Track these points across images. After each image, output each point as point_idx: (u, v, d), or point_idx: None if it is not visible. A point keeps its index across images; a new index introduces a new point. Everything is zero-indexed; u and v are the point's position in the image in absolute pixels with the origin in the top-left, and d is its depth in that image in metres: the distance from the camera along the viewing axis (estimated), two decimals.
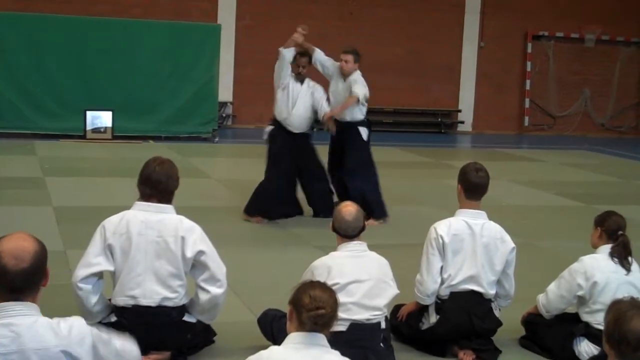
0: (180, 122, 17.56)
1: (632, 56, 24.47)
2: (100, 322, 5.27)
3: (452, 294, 5.76)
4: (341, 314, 4.88)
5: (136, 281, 5.27)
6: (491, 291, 5.82)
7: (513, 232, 6.10)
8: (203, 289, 5.36)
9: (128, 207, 5.42)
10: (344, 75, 9.87)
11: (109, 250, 5.26)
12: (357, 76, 9.87)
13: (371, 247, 5.62)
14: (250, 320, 5.98)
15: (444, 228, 5.78)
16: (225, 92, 19.72)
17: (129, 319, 5.28)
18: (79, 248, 5.56)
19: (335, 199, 10.01)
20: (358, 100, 9.74)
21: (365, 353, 5.18)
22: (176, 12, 19.99)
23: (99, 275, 5.29)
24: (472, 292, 5.76)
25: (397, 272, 5.68)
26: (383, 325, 5.48)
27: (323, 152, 10.23)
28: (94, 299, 5.25)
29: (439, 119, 23.08)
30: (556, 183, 14.31)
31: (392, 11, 22.24)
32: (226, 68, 19.67)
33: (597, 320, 5.50)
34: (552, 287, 5.96)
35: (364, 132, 10.00)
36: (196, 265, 5.34)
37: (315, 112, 9.93)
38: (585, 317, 5.78)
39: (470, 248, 5.77)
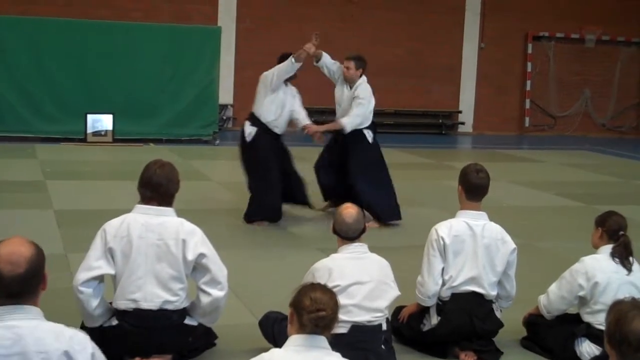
0: (181, 124, 17.56)
1: (632, 56, 24.48)
2: (101, 326, 5.28)
3: (453, 295, 5.76)
4: (342, 316, 4.89)
5: (137, 284, 5.27)
6: (492, 292, 5.82)
7: (514, 233, 6.10)
8: (204, 292, 5.36)
9: (129, 211, 5.42)
10: (348, 81, 9.86)
11: (109, 253, 5.26)
12: (361, 91, 9.86)
13: (372, 249, 5.63)
14: (251, 322, 5.97)
15: (444, 229, 5.78)
16: (225, 94, 19.74)
17: (130, 323, 5.28)
18: (80, 251, 5.56)
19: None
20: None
21: (367, 355, 5.18)
22: (176, 15, 20.00)
23: (100, 278, 5.29)
24: (474, 293, 5.76)
25: (398, 274, 5.68)
26: (384, 327, 5.48)
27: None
28: (94, 302, 5.24)
29: (440, 120, 23.08)
30: (557, 183, 14.31)
31: (393, 13, 22.25)
32: (227, 71, 19.69)
33: (599, 321, 5.50)
34: (553, 287, 5.96)
35: (368, 134, 9.98)
36: (197, 268, 5.34)
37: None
38: (587, 318, 5.78)
39: (471, 249, 5.77)
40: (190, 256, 5.27)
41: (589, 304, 5.75)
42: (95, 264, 5.25)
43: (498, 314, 5.91)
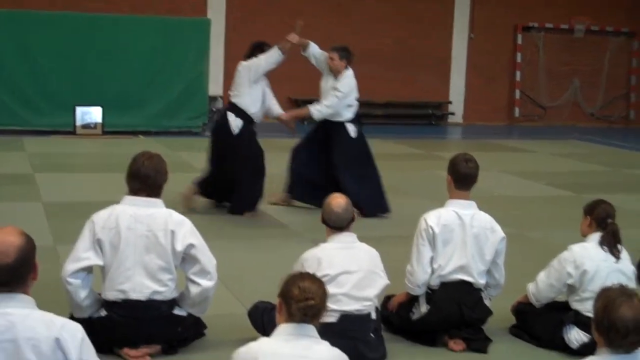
0: (171, 116, 17.52)
1: (621, 46, 24.50)
2: (90, 317, 5.28)
3: (443, 284, 5.77)
4: (331, 305, 4.91)
5: (126, 275, 5.27)
6: (481, 281, 5.84)
7: (503, 223, 6.11)
8: (194, 282, 5.37)
9: (118, 202, 5.42)
10: (333, 72, 9.85)
11: (98, 244, 5.26)
12: (342, 84, 9.79)
13: (361, 239, 5.64)
14: (240, 312, 5.98)
15: (434, 219, 5.79)
16: (215, 86, 19.69)
17: (118, 313, 5.29)
18: (69, 243, 5.55)
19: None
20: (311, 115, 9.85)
21: (356, 344, 5.19)
22: (165, 8, 19.95)
23: (89, 269, 5.29)
24: (462, 282, 5.77)
25: (387, 263, 5.69)
26: (373, 316, 5.49)
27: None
28: (83, 293, 5.25)
29: (429, 111, 23.06)
30: (546, 173, 14.34)
31: (382, 3, 22.23)
32: (216, 62, 19.64)
33: (587, 309, 5.52)
34: (541, 276, 5.98)
35: (351, 128, 9.95)
36: (186, 258, 5.35)
37: None
38: (575, 306, 5.80)
39: (460, 238, 5.78)
40: (179, 247, 5.28)
41: (578, 292, 5.77)
42: (83, 255, 5.25)
43: (487, 302, 5.92)
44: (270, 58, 9.65)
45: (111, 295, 5.31)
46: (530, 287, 6.05)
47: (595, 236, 5.84)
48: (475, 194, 6.00)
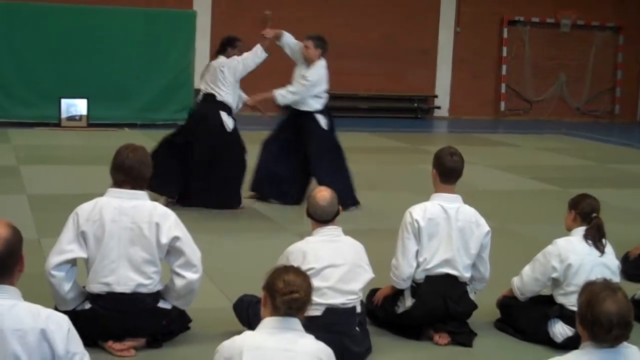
0: (156, 109, 17.46)
1: (607, 41, 24.56)
2: (74, 310, 5.26)
3: (428, 277, 5.78)
4: (316, 299, 4.90)
5: (110, 268, 5.26)
6: (466, 274, 5.84)
7: (489, 216, 6.12)
8: (179, 275, 5.36)
9: (103, 195, 5.40)
10: (307, 61, 9.83)
11: (82, 237, 5.24)
12: (311, 73, 9.76)
13: (346, 232, 5.64)
14: (225, 306, 5.97)
15: (419, 212, 5.79)
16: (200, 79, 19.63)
17: (103, 306, 5.27)
18: (54, 236, 5.53)
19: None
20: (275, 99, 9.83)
21: (341, 337, 5.18)
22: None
23: (72, 262, 5.28)
24: (448, 275, 5.78)
25: (372, 257, 5.69)
26: (358, 310, 5.49)
27: None
28: (67, 286, 5.23)
29: (415, 105, 23.06)
30: (532, 167, 14.37)
31: None
32: (202, 55, 19.53)
33: (572, 302, 5.52)
34: (526, 269, 5.99)
35: (321, 120, 9.93)
36: (171, 251, 5.33)
37: None
38: (560, 299, 5.82)
39: (445, 232, 5.78)
40: (164, 239, 5.27)
41: (562, 286, 5.79)
42: (67, 247, 5.23)
43: (472, 296, 5.93)
44: (257, 58, 9.69)
45: (95, 288, 5.29)
46: (515, 281, 6.06)
47: (580, 230, 5.86)
48: (460, 187, 6.00)
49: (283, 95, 9.78)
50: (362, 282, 5.48)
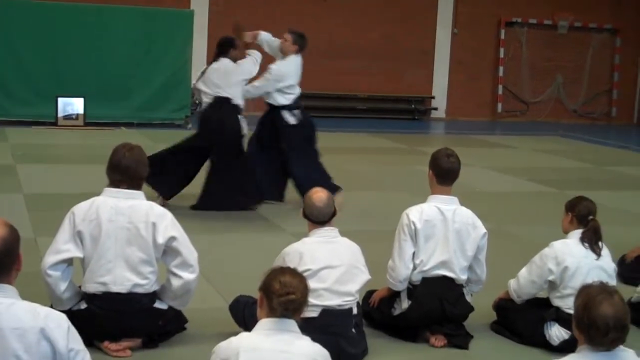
0: (153, 108, 17.45)
1: (604, 43, 24.57)
2: (70, 310, 5.25)
3: (424, 279, 5.77)
4: (313, 300, 4.90)
5: (106, 268, 5.25)
6: (463, 276, 5.84)
7: (485, 218, 6.11)
8: (175, 275, 5.35)
9: (99, 194, 5.39)
10: (283, 54, 9.84)
11: (78, 236, 5.23)
12: (280, 64, 9.77)
13: (343, 233, 5.64)
14: (221, 307, 5.96)
15: (416, 214, 5.78)
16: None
17: (99, 306, 5.26)
18: (50, 235, 5.52)
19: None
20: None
21: (337, 339, 5.18)
22: None
23: (69, 261, 5.27)
24: (444, 277, 5.77)
25: (368, 258, 5.69)
26: (355, 311, 5.48)
27: None
28: (63, 285, 5.22)
29: (413, 106, 23.07)
30: (529, 169, 14.37)
31: None
32: (199, 54, 19.54)
33: (568, 305, 5.52)
34: (523, 272, 5.99)
35: (288, 116, 9.86)
36: (167, 251, 5.33)
37: None
38: (556, 302, 5.81)
39: (442, 234, 5.77)
40: (161, 239, 5.26)
41: (559, 289, 5.78)
42: (63, 247, 5.22)
43: (468, 298, 5.93)
44: (257, 64, 9.79)
45: (91, 287, 5.29)
46: (512, 284, 6.06)
47: (577, 233, 5.85)
48: (457, 189, 6.00)
49: (247, 90, 9.78)
50: (358, 283, 5.48)
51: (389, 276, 5.81)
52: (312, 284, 4.37)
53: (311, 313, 5.08)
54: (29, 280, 4.94)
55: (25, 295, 3.57)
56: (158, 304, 5.42)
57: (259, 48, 10.05)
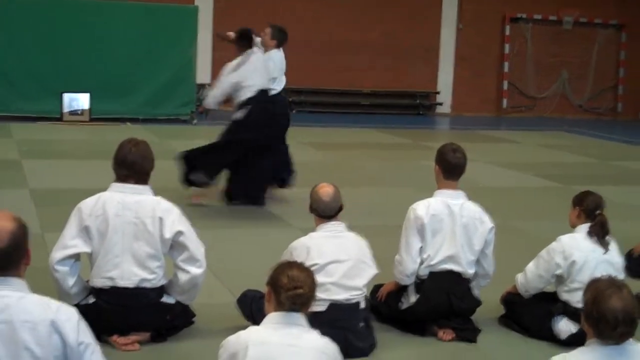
0: (158, 104, 17.48)
1: (609, 38, 24.54)
2: (78, 304, 5.26)
3: (432, 274, 5.77)
4: (320, 294, 4.90)
5: (114, 262, 5.25)
6: (470, 271, 5.84)
7: (491, 213, 6.10)
8: (182, 270, 5.36)
9: (105, 189, 5.40)
10: (265, 49, 9.79)
11: (85, 232, 5.24)
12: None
13: (350, 228, 5.64)
14: (229, 301, 5.96)
15: (422, 208, 5.78)
16: (203, 74, 19.63)
17: (106, 301, 5.27)
18: (57, 231, 5.53)
19: None
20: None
21: (345, 333, 5.18)
22: None
23: (76, 257, 5.28)
24: (451, 272, 5.77)
25: (376, 253, 5.69)
26: (362, 305, 5.49)
27: None
28: (71, 280, 5.24)
29: (418, 101, 23.08)
30: (534, 164, 14.36)
31: None
32: (204, 50, 19.59)
33: (576, 299, 5.52)
34: (530, 266, 5.98)
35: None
36: (175, 246, 5.33)
37: None
38: (564, 296, 5.81)
39: (449, 228, 5.77)
40: (168, 234, 5.26)
41: (566, 283, 5.78)
42: (70, 242, 5.23)
43: (476, 292, 5.93)
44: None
45: (99, 282, 5.29)
46: (519, 278, 6.05)
47: (584, 227, 5.85)
48: (463, 184, 5.99)
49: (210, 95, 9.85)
50: (366, 278, 5.48)
51: (396, 270, 5.81)
52: (319, 278, 4.37)
53: (319, 307, 5.08)
54: (36, 276, 4.95)
55: (33, 291, 3.57)
56: (165, 299, 5.43)
57: None
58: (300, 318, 3.80)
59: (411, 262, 5.73)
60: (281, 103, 9.85)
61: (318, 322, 4.28)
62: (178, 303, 5.48)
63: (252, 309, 5.49)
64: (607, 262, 5.74)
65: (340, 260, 5.37)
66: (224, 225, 8.85)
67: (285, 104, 9.67)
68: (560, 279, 5.83)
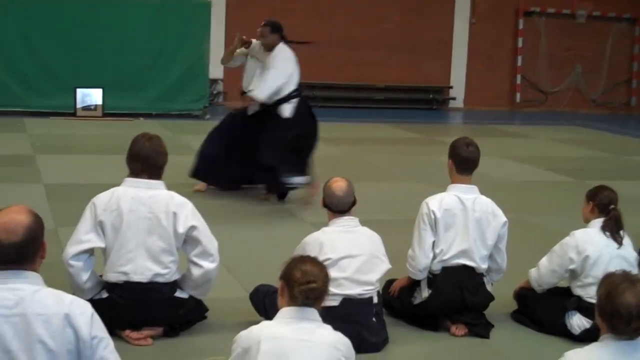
0: (171, 99, 17.49)
1: (623, 32, 24.43)
2: (91, 299, 5.27)
3: (444, 268, 5.76)
4: (333, 289, 4.90)
5: (127, 257, 5.27)
6: (483, 265, 5.83)
7: (504, 208, 6.09)
8: (196, 264, 5.37)
9: (119, 184, 5.42)
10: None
11: (99, 227, 5.26)
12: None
13: (363, 222, 5.64)
14: (242, 296, 5.97)
15: (435, 203, 5.78)
16: (215, 69, 19.56)
17: (120, 295, 5.29)
18: (70, 225, 5.55)
19: None
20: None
21: (358, 328, 5.19)
22: None
23: (90, 252, 5.30)
24: (464, 266, 5.77)
25: (388, 248, 5.69)
26: (375, 300, 5.49)
27: None
28: (85, 275, 5.25)
29: (431, 96, 23.03)
30: (547, 159, 14.33)
31: None
32: (217, 45, 19.54)
33: (589, 294, 5.52)
34: (543, 261, 5.97)
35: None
36: (188, 240, 5.35)
37: None
38: (577, 291, 5.80)
39: (462, 223, 5.77)
40: (181, 229, 5.28)
41: (580, 278, 5.77)
42: (84, 237, 5.25)
43: (489, 287, 5.92)
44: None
45: (113, 277, 5.31)
46: (532, 273, 6.05)
47: (598, 222, 5.83)
48: (476, 178, 5.99)
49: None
50: (379, 272, 5.48)
51: (409, 265, 5.81)
52: (332, 273, 4.37)
53: (332, 302, 5.09)
54: (50, 270, 4.97)
55: (47, 285, 3.58)
56: (179, 293, 5.45)
57: None
58: (313, 313, 3.80)
59: (424, 257, 5.72)
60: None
61: (331, 317, 4.30)
62: (191, 298, 5.50)
63: (265, 304, 5.50)
64: (621, 256, 5.72)
65: (353, 255, 5.37)
66: (237, 220, 8.85)
67: None
68: (573, 274, 5.82)
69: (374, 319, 5.43)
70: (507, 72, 23.82)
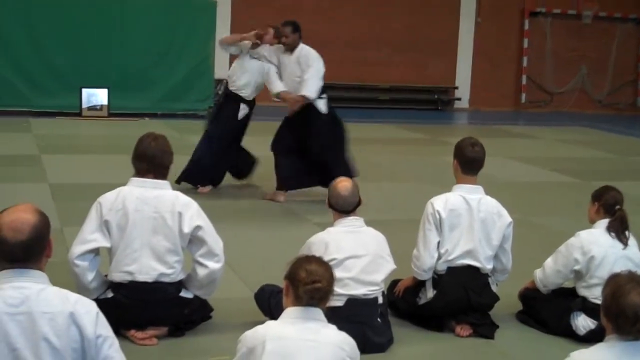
0: (177, 99, 17.50)
1: (629, 33, 24.39)
2: (97, 299, 5.28)
3: (449, 269, 5.76)
4: (338, 289, 4.90)
5: (132, 257, 5.28)
6: (488, 266, 5.82)
7: (509, 208, 6.08)
8: (201, 264, 5.38)
9: (124, 184, 5.42)
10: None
11: (105, 226, 5.26)
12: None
13: (368, 223, 5.64)
14: (247, 296, 5.97)
15: (440, 203, 5.77)
16: (221, 69, 19.59)
17: (125, 295, 5.30)
18: (76, 225, 5.56)
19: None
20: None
21: (363, 328, 5.19)
22: None
23: (96, 251, 5.30)
24: (469, 267, 5.76)
25: (393, 248, 5.69)
26: (380, 301, 5.48)
27: None
28: (90, 275, 5.26)
29: (436, 96, 23.00)
30: (553, 159, 14.31)
31: None
32: None
33: (594, 295, 5.51)
34: (549, 261, 5.97)
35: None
36: (193, 240, 5.35)
37: None
38: (582, 292, 5.79)
39: (467, 223, 5.76)
40: (187, 229, 5.28)
41: (585, 278, 5.76)
42: (90, 237, 5.25)
43: (494, 287, 5.91)
44: None
45: (118, 276, 5.32)
46: (537, 273, 6.04)
47: (603, 222, 5.83)
48: (481, 179, 5.98)
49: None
50: (383, 273, 5.48)
51: (414, 265, 5.80)
52: (337, 273, 4.37)
53: (337, 302, 5.09)
54: (56, 270, 4.98)
55: (52, 284, 3.59)
56: (184, 293, 5.45)
57: None
58: (318, 313, 3.80)
59: (429, 257, 5.72)
60: None
61: (336, 317, 4.30)
62: (196, 297, 5.50)
63: (270, 304, 5.50)
64: (627, 257, 5.71)
65: (358, 256, 5.37)
66: (242, 220, 8.86)
67: None
68: (578, 275, 5.81)
69: (378, 320, 5.43)
70: (513, 72, 23.80)
